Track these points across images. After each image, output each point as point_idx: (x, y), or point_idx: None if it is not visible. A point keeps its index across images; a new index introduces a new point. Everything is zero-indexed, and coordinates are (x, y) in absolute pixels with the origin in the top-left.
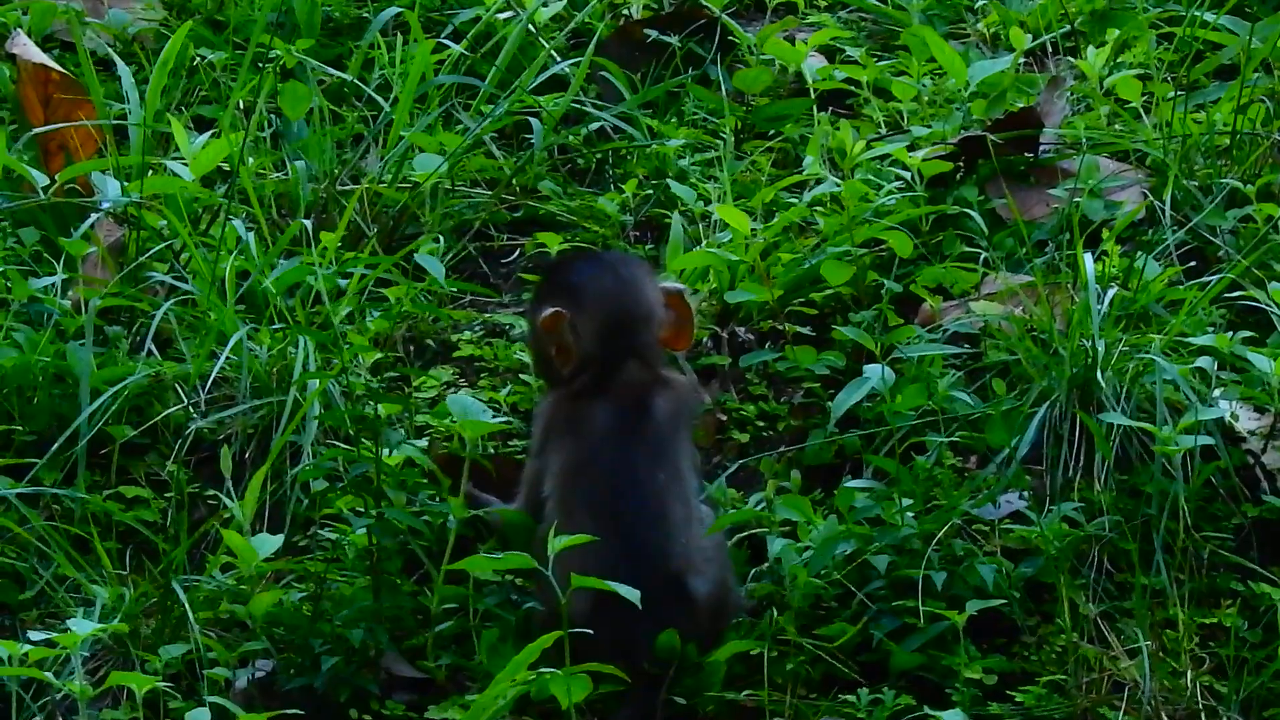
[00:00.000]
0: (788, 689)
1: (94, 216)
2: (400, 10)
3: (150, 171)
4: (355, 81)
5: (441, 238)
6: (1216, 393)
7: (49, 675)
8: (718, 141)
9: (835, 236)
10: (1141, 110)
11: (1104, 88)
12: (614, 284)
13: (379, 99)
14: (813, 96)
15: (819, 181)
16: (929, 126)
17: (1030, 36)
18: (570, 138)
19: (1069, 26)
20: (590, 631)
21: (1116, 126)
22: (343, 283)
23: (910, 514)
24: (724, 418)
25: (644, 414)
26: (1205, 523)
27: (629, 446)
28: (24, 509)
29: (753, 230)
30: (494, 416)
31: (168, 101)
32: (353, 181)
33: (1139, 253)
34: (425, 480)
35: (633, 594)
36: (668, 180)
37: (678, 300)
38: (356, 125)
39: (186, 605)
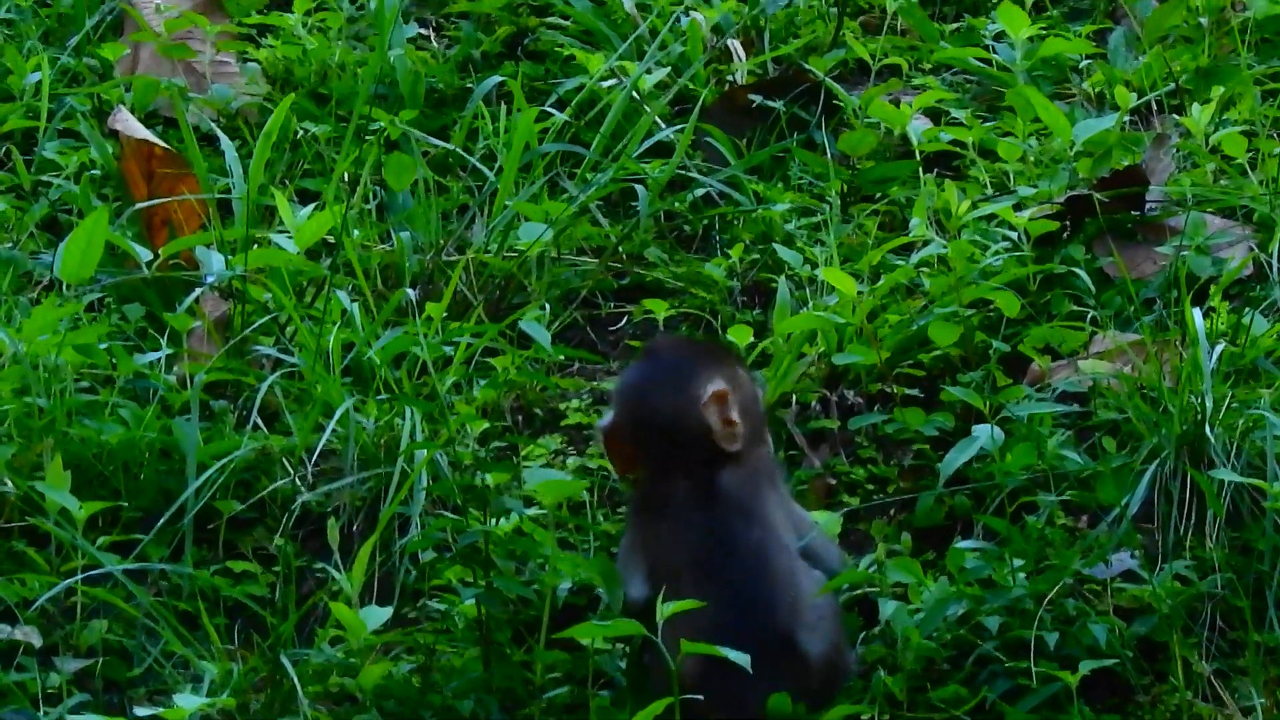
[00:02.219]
0: None
1: (198, 291)
2: (503, 80)
3: (255, 245)
4: (459, 151)
5: (548, 306)
6: None
7: None
8: (824, 205)
9: (942, 297)
10: (1247, 166)
11: (1209, 144)
12: (634, 395)
13: (484, 169)
14: (918, 158)
15: (925, 243)
16: (1035, 186)
17: (1135, 95)
18: (676, 204)
19: (1174, 84)
20: (700, 697)
21: (1222, 183)
22: (449, 352)
23: (1022, 574)
24: (833, 481)
25: (714, 487)
26: None
27: (714, 515)
28: (131, 585)
29: (859, 292)
30: (588, 483)
31: (271, 175)
32: (458, 251)
33: (1246, 308)
34: (534, 549)
35: (743, 659)
36: (774, 244)
37: (716, 402)
38: (461, 195)
39: (295, 679)
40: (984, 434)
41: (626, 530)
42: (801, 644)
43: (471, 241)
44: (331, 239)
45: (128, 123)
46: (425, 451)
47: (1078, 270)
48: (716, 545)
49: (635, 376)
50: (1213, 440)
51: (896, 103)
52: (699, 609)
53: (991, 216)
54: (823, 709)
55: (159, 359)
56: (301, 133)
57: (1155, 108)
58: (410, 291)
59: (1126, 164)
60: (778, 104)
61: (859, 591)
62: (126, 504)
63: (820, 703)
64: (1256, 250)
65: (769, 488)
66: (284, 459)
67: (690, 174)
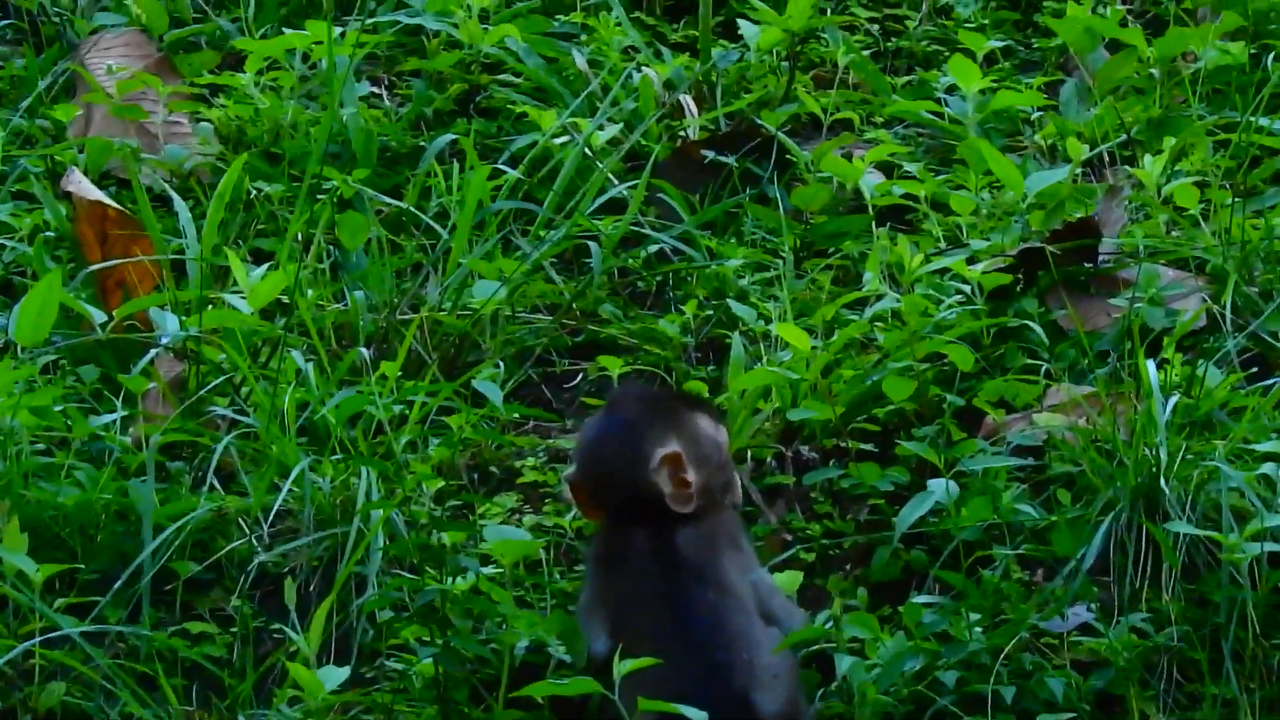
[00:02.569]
0: None
1: (153, 352)
2: (456, 137)
3: (209, 305)
4: (413, 210)
5: (502, 364)
6: None
7: None
8: (777, 260)
9: (896, 352)
10: (1200, 217)
11: (1162, 196)
12: (590, 454)
13: (437, 227)
14: (871, 212)
15: (879, 297)
16: (988, 239)
17: (1087, 146)
18: (630, 260)
19: (1125, 135)
20: None
21: (1175, 234)
22: (404, 411)
23: (978, 628)
24: (789, 537)
25: (671, 548)
26: (1274, 630)
27: (669, 574)
28: (89, 648)
29: (813, 347)
30: (545, 541)
31: (225, 235)
32: (412, 310)
33: (1201, 360)
34: (491, 607)
35: (700, 716)
36: (728, 300)
37: (669, 464)
38: (415, 254)
39: None
40: (939, 488)
41: (586, 582)
42: (758, 704)
43: (425, 300)
44: (286, 299)
45: (81, 184)
46: (381, 511)
47: (1031, 323)
48: (672, 608)
49: (592, 433)
50: (1168, 492)
51: (849, 157)
52: (656, 668)
53: (945, 270)
54: None
55: (114, 421)
56: (255, 192)
57: (1107, 159)
58: (364, 350)
59: (1079, 216)
60: (730, 159)
61: (816, 647)
62: (83, 566)
63: None
64: (1209, 301)
65: (728, 547)
66: (240, 519)
67: (644, 230)
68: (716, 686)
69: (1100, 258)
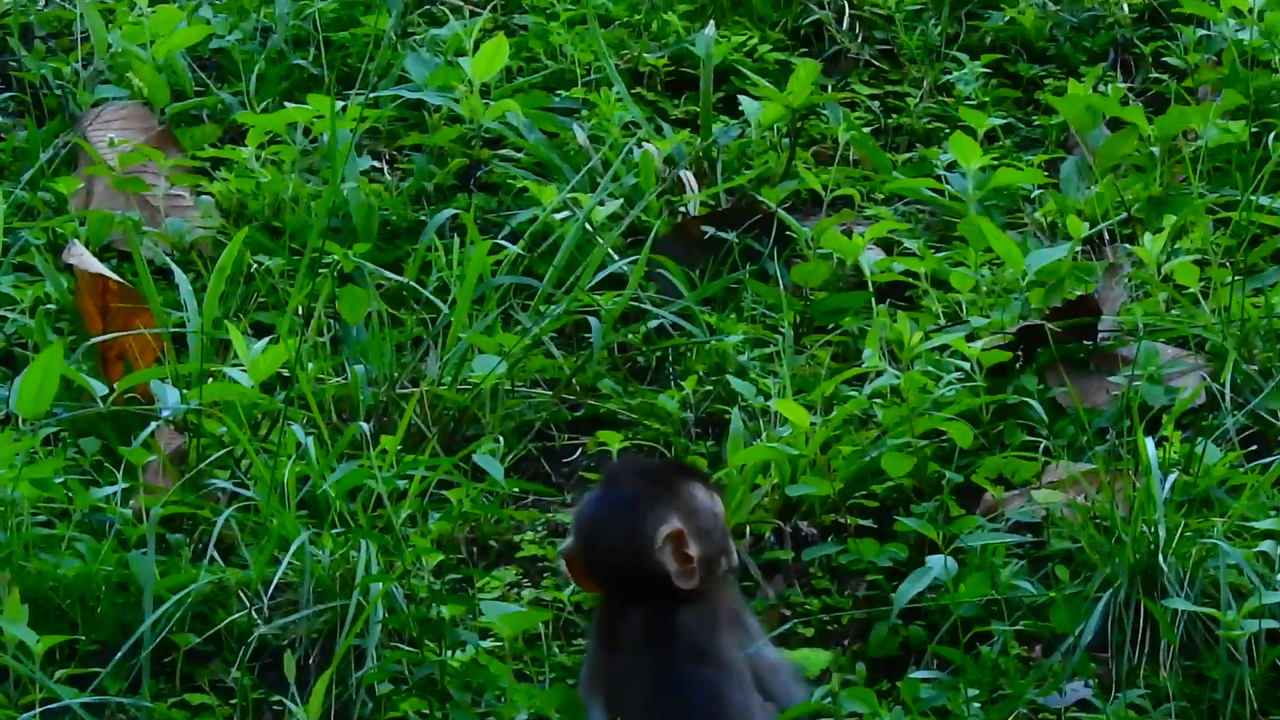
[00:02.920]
0: None
1: (154, 425)
2: (456, 212)
3: (209, 379)
4: (413, 284)
5: (502, 438)
6: None
7: None
8: (776, 336)
9: (895, 428)
10: (1200, 295)
11: (1161, 274)
12: (588, 532)
13: (437, 301)
14: (871, 289)
15: (879, 374)
16: (988, 316)
17: (1087, 224)
18: (629, 335)
19: (1126, 213)
20: None
21: (1175, 312)
22: (403, 485)
23: (976, 704)
24: (787, 612)
25: (670, 625)
26: (1272, 706)
27: (666, 651)
28: (89, 719)
29: (812, 423)
30: (550, 615)
31: (226, 308)
32: (412, 384)
33: (1199, 438)
34: (491, 680)
35: None
36: (728, 376)
37: (671, 542)
38: (415, 328)
39: None
40: (937, 564)
41: (587, 657)
42: None
43: (425, 374)
44: (286, 372)
45: (82, 257)
46: (381, 584)
47: (1030, 400)
48: (668, 685)
49: (591, 511)
50: (1166, 569)
51: (849, 233)
52: None
53: (944, 347)
54: None
55: (115, 493)
56: (255, 266)
57: (1107, 237)
58: (364, 425)
59: (1079, 294)
60: (730, 235)
61: None
62: (84, 637)
63: None
64: (1209, 379)
65: (728, 626)
66: (240, 591)
67: (643, 305)
68: None
69: (1100, 335)
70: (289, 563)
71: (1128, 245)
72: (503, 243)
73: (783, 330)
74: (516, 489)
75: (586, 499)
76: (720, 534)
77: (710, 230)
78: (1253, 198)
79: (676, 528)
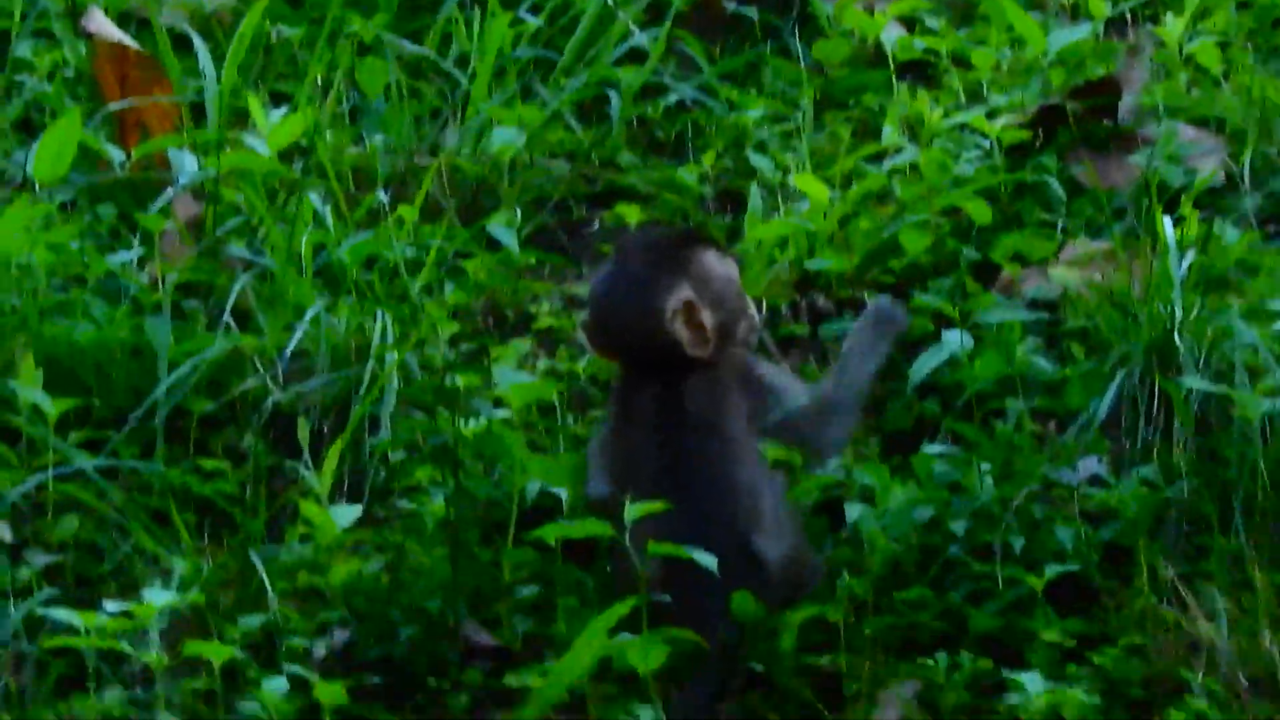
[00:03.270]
0: (865, 653)
1: (171, 192)
2: None
3: (227, 147)
4: (433, 56)
5: (519, 210)
6: None
7: (126, 646)
8: (796, 112)
9: (914, 205)
10: (1221, 77)
11: (1183, 55)
12: (601, 304)
13: (457, 73)
14: (892, 66)
15: (898, 150)
16: (1008, 95)
17: (1110, 4)
18: (649, 110)
19: None
20: (667, 598)
21: (1195, 93)
22: (420, 255)
23: (989, 479)
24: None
25: (679, 399)
26: None
27: (674, 422)
28: (102, 483)
29: (831, 199)
30: (563, 386)
31: (245, 77)
32: (430, 155)
33: (1217, 218)
34: (503, 450)
35: (710, 560)
36: (746, 151)
37: (683, 314)
38: (434, 100)
39: (264, 576)
40: (953, 340)
41: (601, 426)
42: (759, 549)
43: (444, 145)
44: (304, 142)
45: (101, 24)
46: (396, 353)
47: (1049, 179)
48: (675, 462)
49: (602, 287)
50: (1181, 348)
51: (870, 10)
52: (658, 516)
53: (964, 125)
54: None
55: (131, 259)
56: (275, 35)
57: (1130, 18)
58: (382, 194)
59: (1100, 74)
60: (752, 11)
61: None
62: (98, 402)
63: (784, 606)
64: (1228, 160)
65: (742, 394)
66: (255, 359)
67: (663, 80)
68: (716, 533)
69: (1120, 115)
70: (305, 330)
71: (1150, 26)
72: (524, 15)
73: (802, 106)
74: (533, 260)
75: (598, 274)
76: (737, 298)
77: (732, 5)
78: None
79: (688, 297)
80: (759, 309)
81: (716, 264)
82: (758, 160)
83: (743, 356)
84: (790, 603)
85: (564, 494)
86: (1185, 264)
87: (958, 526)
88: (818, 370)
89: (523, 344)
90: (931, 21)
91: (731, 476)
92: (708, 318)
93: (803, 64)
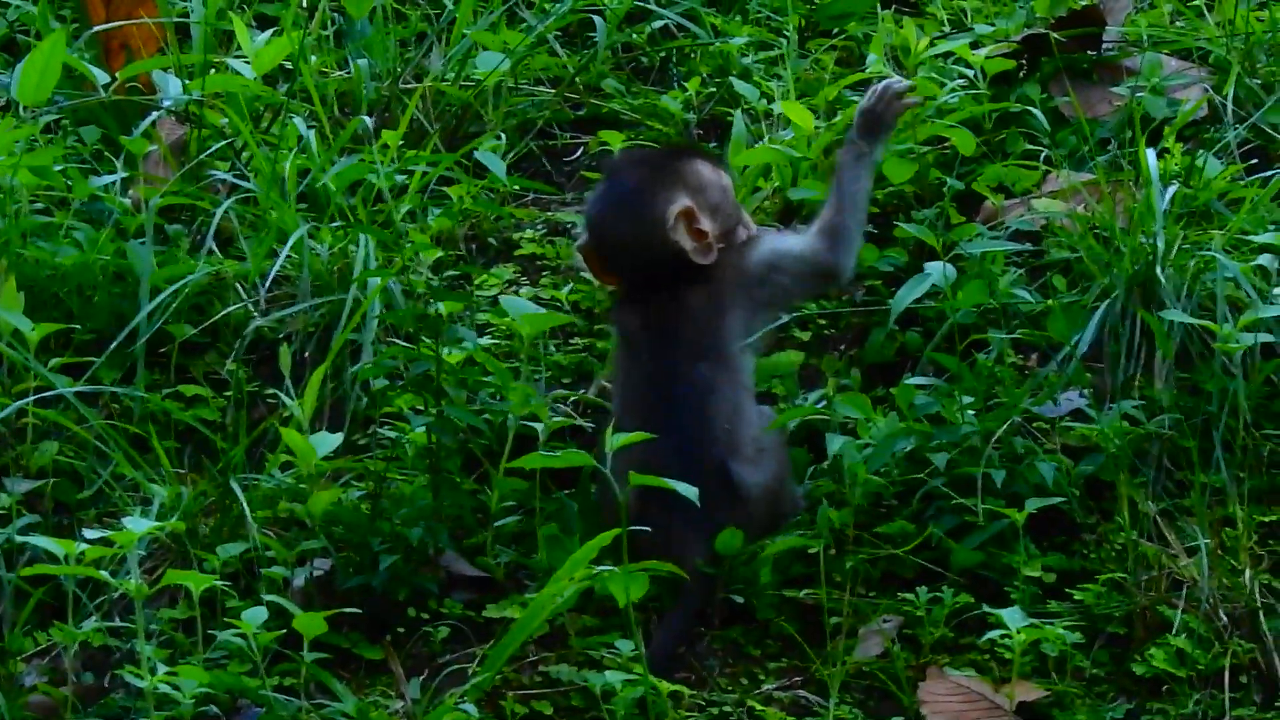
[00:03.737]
0: (846, 587)
1: (155, 115)
2: None
3: (212, 70)
4: None
5: (504, 135)
6: (1277, 290)
7: (105, 574)
8: (781, 40)
9: (898, 134)
10: (1204, 8)
11: None
12: (600, 220)
13: None
14: None
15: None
16: (992, 24)
17: None
18: (634, 36)
19: None
20: (648, 529)
21: (1179, 24)
22: (404, 180)
23: (971, 411)
24: (785, 316)
25: (677, 311)
26: (1265, 420)
27: (665, 345)
28: (83, 408)
29: (816, 127)
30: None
31: (230, 0)
32: (415, 80)
33: (1201, 150)
34: (486, 378)
35: (690, 491)
36: (731, 78)
37: (683, 220)
38: (419, 23)
39: (245, 504)
40: (936, 271)
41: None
42: (738, 476)
43: (429, 70)
44: (289, 65)
45: None
46: (379, 279)
47: (1033, 109)
48: (659, 383)
49: (600, 204)
50: (1164, 281)
51: None
52: (641, 443)
53: (948, 54)
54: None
55: (114, 182)
56: None
57: None
58: (367, 119)
59: (1084, 4)
60: None
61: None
62: (79, 326)
63: (764, 536)
64: (1211, 92)
65: (734, 294)
66: (238, 284)
67: (648, 6)
68: (694, 459)
69: (1104, 46)
70: (287, 256)
71: None
72: None
73: (787, 34)
74: (517, 187)
75: (593, 193)
76: (732, 205)
77: None
78: None
79: (686, 205)
80: None
81: (710, 173)
82: (742, 87)
83: (739, 259)
84: (770, 532)
85: (541, 425)
86: (1168, 196)
87: (939, 459)
88: None
89: (505, 271)
90: None
91: (714, 403)
92: (707, 225)
93: None
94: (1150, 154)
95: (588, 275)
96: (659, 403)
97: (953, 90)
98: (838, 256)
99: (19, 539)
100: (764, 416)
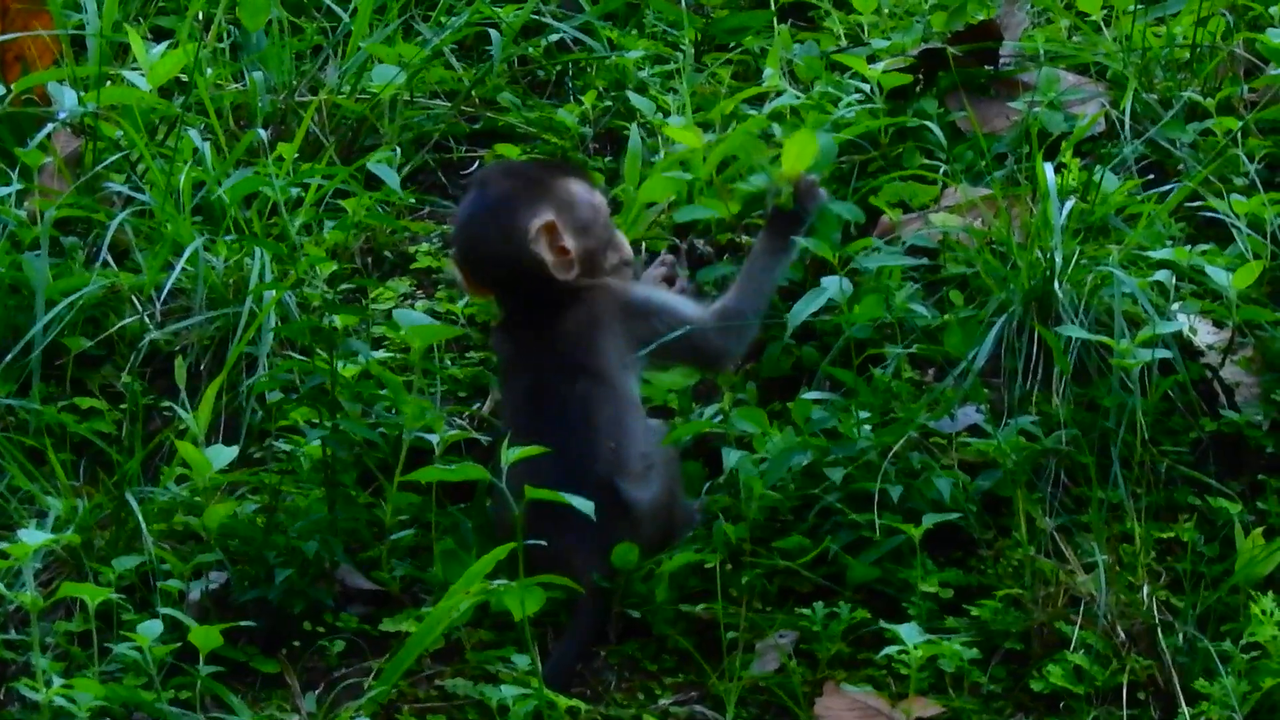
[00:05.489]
0: (743, 602)
1: (50, 126)
2: None
3: (108, 82)
4: None
5: (399, 148)
6: (1175, 306)
7: (0, 587)
8: (677, 54)
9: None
10: (1102, 24)
11: (1064, 0)
12: (463, 232)
13: (338, 10)
14: (773, 8)
15: (779, 94)
16: (889, 39)
17: None
18: (530, 49)
19: None
20: (543, 543)
21: (1077, 39)
22: (299, 193)
23: (867, 426)
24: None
25: (551, 330)
26: (1163, 437)
27: (541, 363)
28: None
29: (708, 142)
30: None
31: (125, 12)
32: (311, 93)
33: (1098, 165)
34: (381, 392)
35: (586, 506)
36: (627, 92)
37: (545, 234)
38: (315, 36)
39: (140, 517)
40: (832, 285)
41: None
42: (625, 493)
43: (325, 83)
44: (185, 77)
45: None
46: (274, 292)
47: (930, 124)
48: (544, 405)
49: (466, 213)
50: (1061, 296)
51: None
52: (528, 461)
53: (844, 68)
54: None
55: (10, 194)
56: None
57: None
58: (262, 132)
59: (981, 18)
60: None
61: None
62: None
63: (657, 551)
64: (1109, 107)
65: (615, 325)
66: (133, 297)
67: (545, 19)
68: (580, 477)
69: (1001, 61)
70: (183, 268)
71: None
72: None
73: (684, 48)
74: (413, 200)
75: (461, 204)
76: (603, 227)
77: None
78: None
79: (549, 220)
80: (639, 251)
81: (582, 191)
82: (638, 101)
83: (621, 285)
84: (663, 547)
85: (436, 439)
86: (1065, 211)
87: (835, 474)
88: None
89: (401, 284)
90: None
91: (597, 420)
92: (571, 242)
93: (684, 4)
94: (1048, 168)
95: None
96: (542, 423)
97: (849, 105)
98: (726, 343)
99: None
100: (654, 431)
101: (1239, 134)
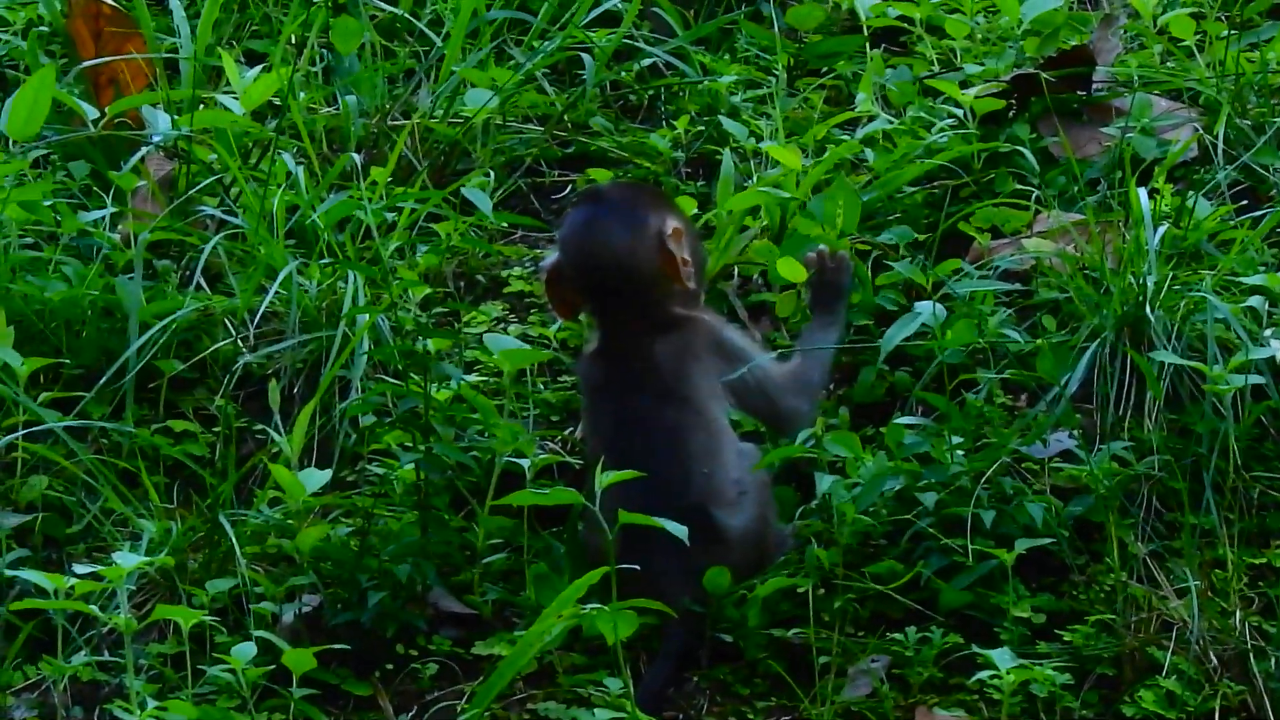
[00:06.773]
0: (835, 626)
1: (144, 150)
2: None
3: (201, 105)
4: (407, 17)
5: (492, 173)
6: (1268, 332)
7: (94, 609)
8: (770, 78)
9: (887, 174)
10: (1195, 49)
11: (1157, 26)
12: (585, 232)
13: (431, 34)
14: (866, 34)
15: (871, 119)
16: (982, 64)
17: None
18: (622, 74)
19: None
20: (636, 568)
21: (1169, 64)
22: (392, 217)
23: (960, 451)
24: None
25: (644, 361)
26: (1255, 462)
27: (632, 390)
28: (72, 443)
29: (804, 166)
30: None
31: (219, 35)
32: (404, 117)
33: (1191, 191)
34: (473, 416)
35: (680, 530)
36: (719, 117)
37: (666, 241)
38: (408, 60)
39: (233, 539)
40: (926, 310)
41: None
42: (719, 520)
43: (417, 107)
44: (278, 101)
45: None
46: (367, 316)
47: (1023, 149)
48: (637, 430)
49: (586, 217)
50: (1153, 321)
51: None
52: (621, 486)
53: (937, 93)
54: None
55: (103, 217)
56: None
57: None
58: (355, 155)
59: (1074, 44)
60: None
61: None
62: (68, 361)
63: (750, 577)
64: (1201, 132)
65: (705, 357)
66: (226, 320)
67: (637, 44)
68: (673, 504)
69: (1093, 86)
70: (276, 292)
71: None
72: None
73: (776, 72)
74: (505, 224)
75: (574, 213)
76: (703, 252)
77: None
78: None
79: (678, 225)
80: (731, 276)
81: (690, 223)
82: (730, 126)
83: (717, 322)
84: (756, 572)
85: (528, 462)
86: (1158, 236)
87: (928, 499)
88: (787, 339)
89: (493, 308)
90: None
91: (689, 446)
92: (689, 256)
93: (776, 30)
94: (1141, 194)
95: (550, 306)
96: (633, 450)
97: (941, 130)
98: (800, 404)
99: (9, 573)
100: (746, 457)
101: None
